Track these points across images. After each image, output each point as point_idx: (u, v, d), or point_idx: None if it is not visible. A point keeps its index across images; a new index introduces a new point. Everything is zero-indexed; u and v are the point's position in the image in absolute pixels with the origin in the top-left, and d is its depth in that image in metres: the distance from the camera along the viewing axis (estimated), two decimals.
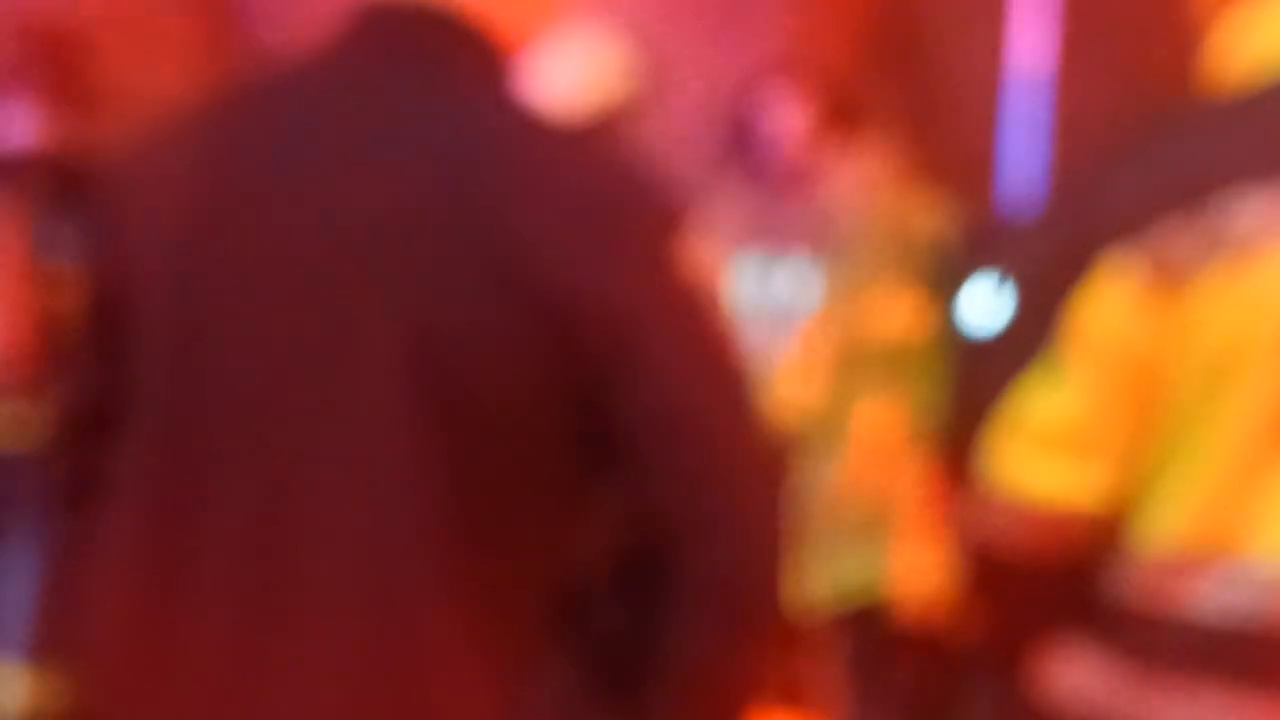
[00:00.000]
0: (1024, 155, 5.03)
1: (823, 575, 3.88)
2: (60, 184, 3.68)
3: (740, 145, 4.69)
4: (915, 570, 3.80)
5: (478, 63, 1.61)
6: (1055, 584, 1.70)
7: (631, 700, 1.58)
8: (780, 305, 4.41)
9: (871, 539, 3.91)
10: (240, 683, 1.54)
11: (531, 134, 1.60)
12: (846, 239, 4.16)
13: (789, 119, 4.57)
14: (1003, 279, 3.73)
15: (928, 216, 4.23)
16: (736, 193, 4.65)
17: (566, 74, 3.79)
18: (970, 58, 5.99)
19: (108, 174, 1.74)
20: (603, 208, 1.54)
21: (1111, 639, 1.70)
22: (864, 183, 4.20)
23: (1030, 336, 1.65)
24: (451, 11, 1.60)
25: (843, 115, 4.62)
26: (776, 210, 4.57)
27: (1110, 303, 1.60)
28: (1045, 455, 1.63)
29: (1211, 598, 1.64)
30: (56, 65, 4.12)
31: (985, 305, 3.76)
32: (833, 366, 3.97)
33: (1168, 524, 1.65)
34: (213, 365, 1.57)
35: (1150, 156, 1.67)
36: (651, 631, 1.56)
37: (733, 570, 1.53)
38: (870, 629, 3.89)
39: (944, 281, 3.95)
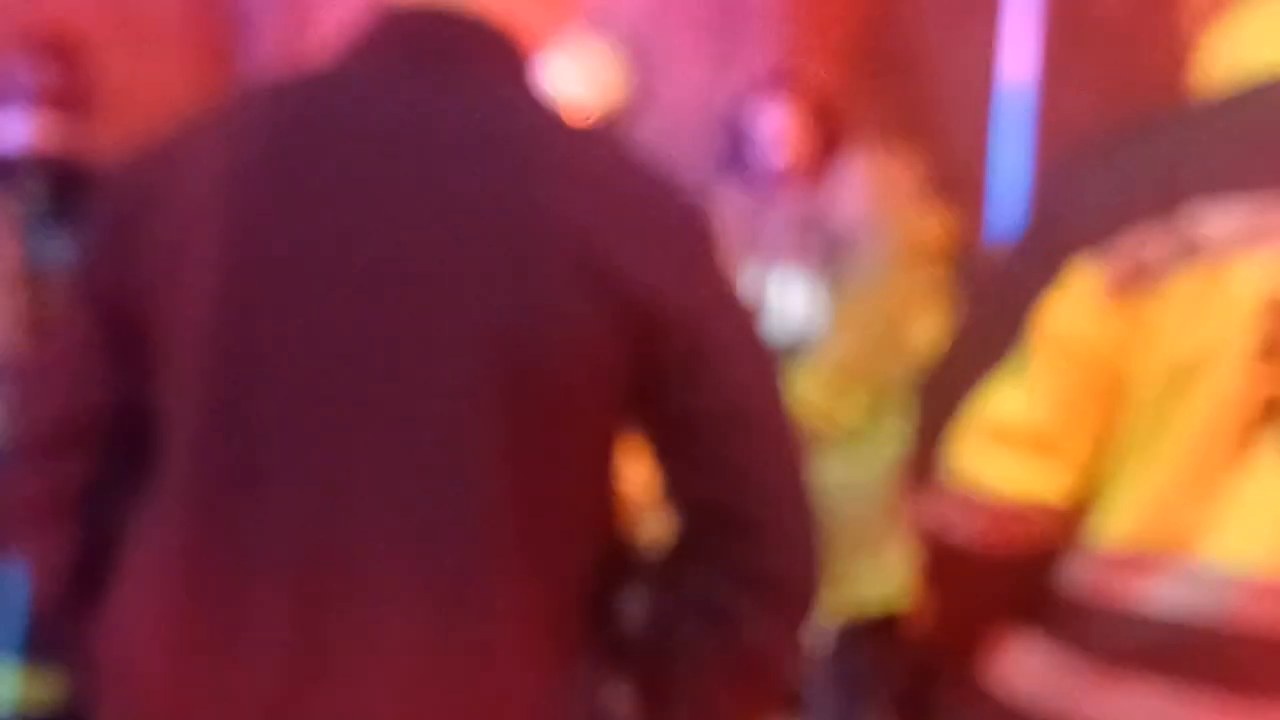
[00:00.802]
0: (1013, 166, 5.05)
1: (838, 586, 3.92)
2: (57, 187, 3.67)
3: (734, 154, 4.73)
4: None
5: (506, 64, 1.64)
6: (1012, 575, 1.74)
7: (678, 687, 1.63)
8: (774, 314, 4.42)
9: (884, 551, 3.91)
10: (299, 680, 1.55)
11: (573, 135, 1.63)
12: (860, 250, 4.17)
13: (780, 127, 4.61)
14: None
15: (935, 226, 4.26)
16: (732, 201, 4.68)
17: (563, 78, 3.81)
18: (960, 69, 6.01)
19: (122, 176, 1.72)
20: (653, 209, 1.59)
21: (1062, 631, 1.74)
22: (864, 192, 4.21)
23: (994, 337, 1.68)
24: (473, 13, 1.63)
25: (832, 125, 4.66)
26: (769, 219, 4.60)
27: (1076, 305, 1.63)
28: (1008, 451, 1.66)
29: (1162, 596, 1.68)
30: (56, 67, 4.14)
31: None
32: (853, 377, 3.97)
33: (1122, 520, 1.68)
34: (271, 367, 1.56)
35: (1119, 163, 1.70)
36: (699, 621, 1.61)
37: (781, 561, 1.60)
38: (881, 640, 3.90)
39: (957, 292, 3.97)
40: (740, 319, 1.63)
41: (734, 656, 1.62)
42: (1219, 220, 1.61)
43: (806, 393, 3.94)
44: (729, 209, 4.67)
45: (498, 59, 1.63)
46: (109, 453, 1.68)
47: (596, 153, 1.62)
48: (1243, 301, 1.62)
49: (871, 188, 4.22)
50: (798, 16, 5.73)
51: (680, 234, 1.60)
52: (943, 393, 1.74)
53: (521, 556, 1.56)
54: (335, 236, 1.57)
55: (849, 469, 3.94)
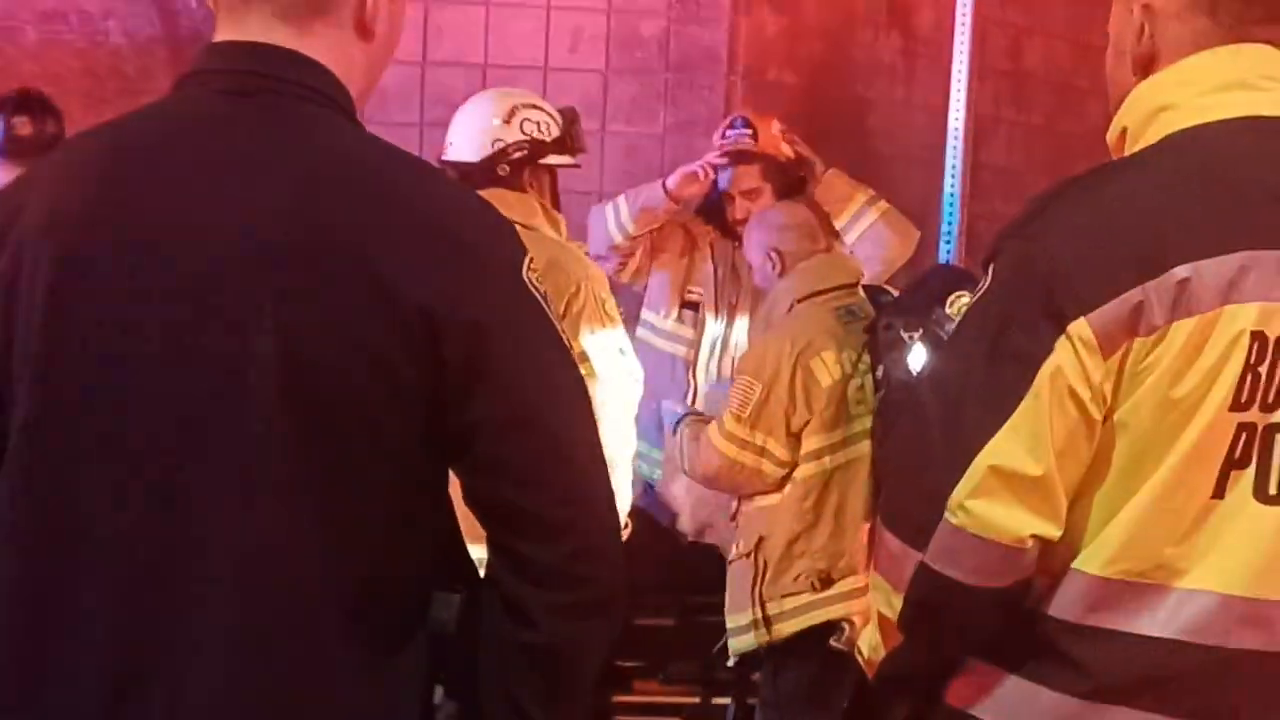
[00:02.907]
0: (960, 205, 5.13)
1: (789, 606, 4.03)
2: None
3: (711, 207, 4.89)
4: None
5: (325, 95, 1.73)
6: (1006, 603, 1.82)
7: (484, 684, 1.71)
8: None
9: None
10: (126, 663, 1.64)
11: (379, 160, 1.73)
12: (778, 294, 4.29)
13: (741, 181, 4.77)
14: (927, 333, 3.85)
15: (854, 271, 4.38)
16: (713, 251, 4.83)
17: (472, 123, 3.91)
18: (910, 119, 6.15)
19: None
20: (445, 228, 1.69)
21: (1045, 663, 1.82)
22: (784, 237, 4.32)
23: (995, 394, 1.77)
24: (292, 47, 1.72)
25: (783, 176, 4.80)
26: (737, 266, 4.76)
27: (1078, 363, 1.74)
28: (1016, 496, 1.75)
29: (1144, 626, 1.78)
30: (28, 119, 4.24)
31: (916, 358, 3.85)
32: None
33: (1107, 552, 1.78)
34: (88, 378, 1.66)
35: (1105, 228, 1.77)
36: (499, 618, 1.70)
37: (566, 557, 1.69)
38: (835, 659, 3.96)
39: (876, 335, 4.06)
40: (528, 332, 1.70)
41: (532, 653, 1.70)
42: (1208, 277, 1.71)
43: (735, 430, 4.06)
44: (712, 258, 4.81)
45: (314, 90, 1.72)
46: None
47: (397, 176, 1.71)
48: (1229, 347, 1.72)
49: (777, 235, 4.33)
50: (746, 69, 5.84)
51: (471, 252, 1.68)
52: (940, 446, 1.80)
53: (330, 572, 1.64)
54: (147, 266, 1.65)
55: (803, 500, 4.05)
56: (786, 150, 4.86)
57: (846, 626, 3.92)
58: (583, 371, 3.84)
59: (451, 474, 1.73)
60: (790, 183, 4.87)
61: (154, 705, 1.63)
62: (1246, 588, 1.75)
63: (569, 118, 3.94)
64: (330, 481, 1.65)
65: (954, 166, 5.13)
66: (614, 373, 3.78)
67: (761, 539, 4.07)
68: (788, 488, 4.06)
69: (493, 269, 1.70)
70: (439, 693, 1.73)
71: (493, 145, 3.82)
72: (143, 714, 1.63)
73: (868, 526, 3.89)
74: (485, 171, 3.78)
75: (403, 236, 1.65)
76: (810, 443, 4.04)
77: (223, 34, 1.75)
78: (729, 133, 4.89)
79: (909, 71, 6.21)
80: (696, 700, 4.32)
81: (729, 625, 4.10)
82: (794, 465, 4.05)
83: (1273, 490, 1.75)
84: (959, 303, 3.81)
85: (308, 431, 1.63)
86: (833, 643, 3.95)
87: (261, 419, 1.63)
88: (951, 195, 5.13)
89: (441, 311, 1.63)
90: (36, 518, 1.68)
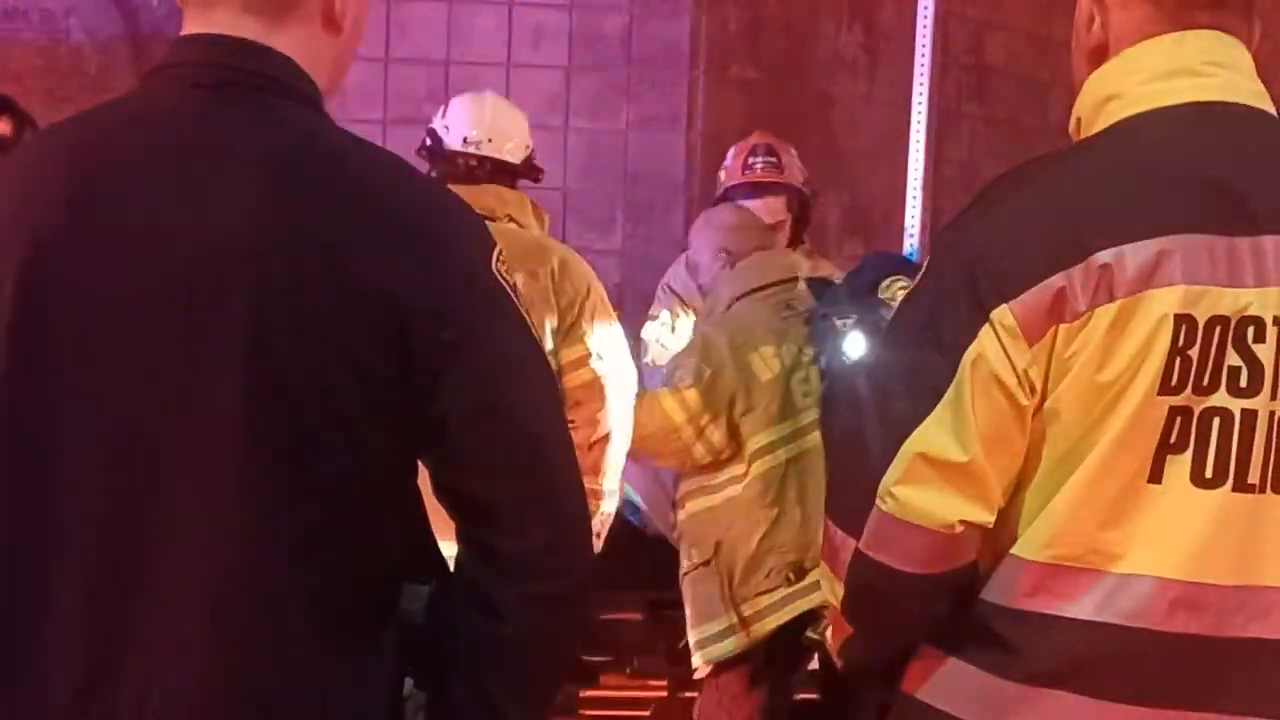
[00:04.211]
0: (922, 200, 5.14)
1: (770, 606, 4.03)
2: None
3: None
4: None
5: (291, 87, 1.74)
6: (943, 590, 1.83)
7: (452, 672, 1.71)
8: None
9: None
10: (96, 654, 1.64)
11: (355, 160, 1.73)
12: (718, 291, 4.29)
13: (770, 213, 4.71)
14: (862, 324, 3.88)
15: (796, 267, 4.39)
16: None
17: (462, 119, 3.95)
18: (873, 117, 6.17)
19: None
20: (412, 218, 1.69)
21: (984, 648, 1.82)
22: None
23: (923, 382, 1.78)
24: (260, 42, 1.73)
25: (804, 206, 4.80)
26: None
27: (1002, 350, 1.74)
28: (946, 483, 1.77)
29: (1081, 610, 1.78)
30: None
31: (852, 345, 3.89)
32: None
33: (1042, 537, 1.79)
34: (56, 375, 1.66)
35: (1028, 218, 1.77)
36: (466, 606, 1.70)
37: (545, 554, 1.69)
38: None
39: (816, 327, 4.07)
40: (497, 322, 1.70)
41: (501, 645, 1.70)
42: (1130, 262, 1.71)
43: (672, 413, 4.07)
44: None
45: (283, 83, 1.72)
46: None
47: (366, 169, 1.71)
48: (1153, 331, 1.72)
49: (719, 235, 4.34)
50: (708, 65, 5.85)
51: (439, 243, 1.69)
52: (871, 432, 1.81)
53: (298, 562, 1.65)
54: (115, 263, 1.65)
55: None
56: (805, 179, 4.78)
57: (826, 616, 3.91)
58: (596, 370, 3.88)
59: (421, 467, 1.73)
60: (806, 212, 4.82)
61: (124, 693, 1.64)
62: (1184, 571, 1.75)
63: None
64: (298, 474, 1.65)
65: (917, 161, 5.14)
66: (623, 369, 3.84)
67: (719, 544, 4.06)
68: (742, 488, 4.05)
69: (461, 259, 1.70)
70: (408, 684, 1.73)
71: (525, 149, 3.97)
72: (113, 703, 1.64)
73: None
74: (529, 171, 3.97)
75: (370, 229, 1.66)
76: (759, 439, 4.04)
77: (190, 27, 1.74)
78: (752, 160, 4.75)
79: (871, 66, 6.24)
80: (664, 694, 4.33)
81: (696, 636, 4.07)
82: (720, 457, 4.05)
83: (1209, 474, 1.75)
84: (894, 288, 3.84)
85: (275, 425, 1.64)
86: (810, 634, 3.95)
87: (228, 410, 1.63)
88: (914, 190, 5.14)
89: (409, 302, 1.64)
90: (4, 511, 1.68)
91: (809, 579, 3.96)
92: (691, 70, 5.78)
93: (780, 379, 4.02)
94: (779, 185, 4.72)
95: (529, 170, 3.97)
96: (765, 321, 4.08)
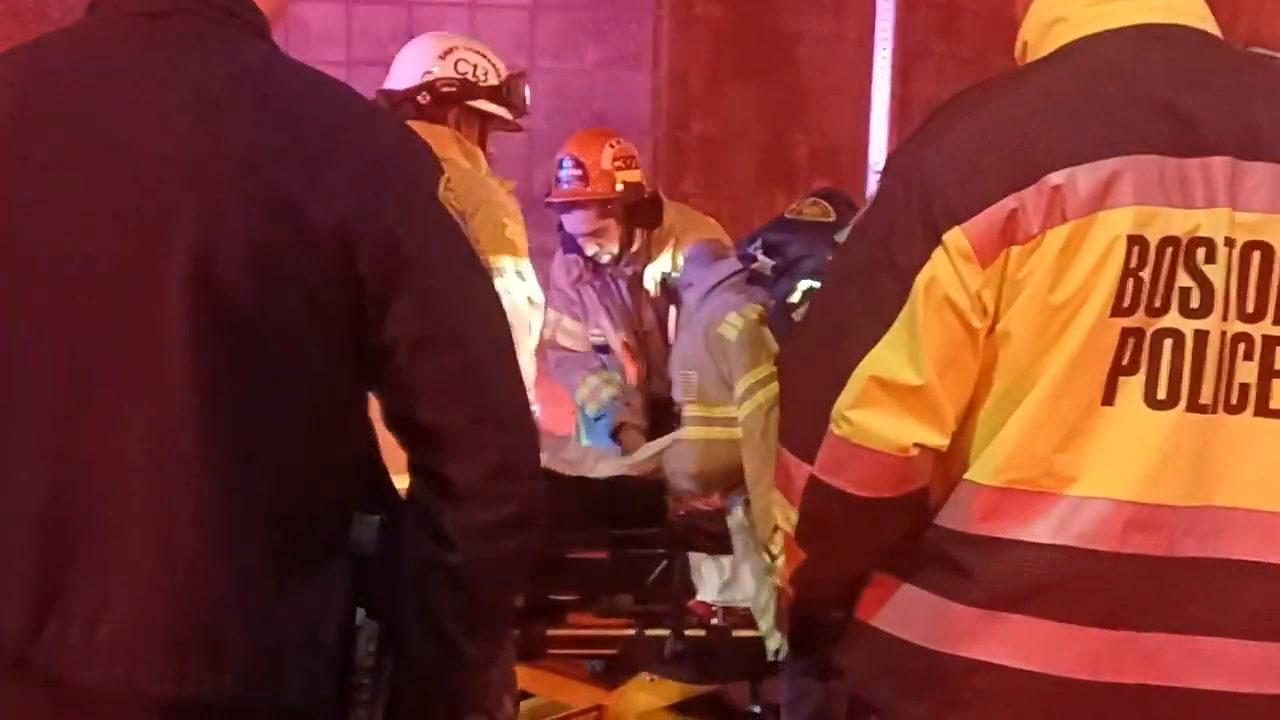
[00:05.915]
0: (888, 139, 5.14)
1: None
2: None
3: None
4: None
5: (234, 17, 1.73)
6: (898, 513, 1.83)
7: (405, 603, 1.72)
8: None
9: None
10: (47, 577, 1.65)
11: (300, 88, 1.72)
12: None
13: (579, 225, 4.71)
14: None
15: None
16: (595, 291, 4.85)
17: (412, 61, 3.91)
18: (837, 54, 6.14)
19: None
20: (355, 145, 1.68)
21: (940, 572, 1.84)
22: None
23: (877, 304, 1.78)
24: None
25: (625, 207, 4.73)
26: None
27: (954, 271, 1.74)
28: (899, 405, 1.77)
29: (1035, 532, 1.78)
30: None
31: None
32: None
33: (997, 460, 1.79)
34: (10, 294, 1.66)
35: (980, 140, 1.78)
36: (417, 536, 1.71)
37: (495, 481, 1.69)
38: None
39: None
40: (445, 250, 1.71)
41: (452, 574, 1.71)
42: (1082, 183, 1.71)
43: None
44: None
45: (231, 11, 1.73)
46: None
47: (312, 97, 1.71)
48: (1105, 252, 1.72)
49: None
50: (673, 3, 5.83)
51: (385, 170, 1.68)
52: (825, 357, 1.82)
53: (247, 489, 1.66)
54: (63, 188, 1.67)
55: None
56: (620, 181, 4.67)
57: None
58: None
59: (374, 400, 1.73)
60: (635, 208, 4.72)
61: (73, 623, 1.64)
62: (1139, 493, 1.76)
63: (514, 74, 3.94)
64: (245, 399, 1.65)
65: (882, 99, 5.14)
66: (512, 294, 3.78)
67: (747, 502, 4.06)
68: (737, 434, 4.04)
69: (407, 187, 1.70)
70: (360, 614, 1.74)
71: (421, 77, 3.82)
72: (62, 633, 1.64)
73: None
74: (407, 99, 3.78)
75: (317, 157, 1.65)
76: (739, 386, 4.04)
77: None
78: (559, 174, 4.70)
79: (838, 4, 6.21)
80: (631, 633, 4.34)
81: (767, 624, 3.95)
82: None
83: (1162, 395, 1.76)
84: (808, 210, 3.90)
85: (222, 349, 1.64)
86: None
87: (175, 335, 1.63)
88: (880, 128, 5.14)
89: (357, 229, 1.64)
90: None
91: None
92: (657, 9, 5.76)
93: (745, 331, 4.01)
94: (577, 203, 4.67)
95: (414, 94, 3.77)
96: (726, 300, 4.05)
